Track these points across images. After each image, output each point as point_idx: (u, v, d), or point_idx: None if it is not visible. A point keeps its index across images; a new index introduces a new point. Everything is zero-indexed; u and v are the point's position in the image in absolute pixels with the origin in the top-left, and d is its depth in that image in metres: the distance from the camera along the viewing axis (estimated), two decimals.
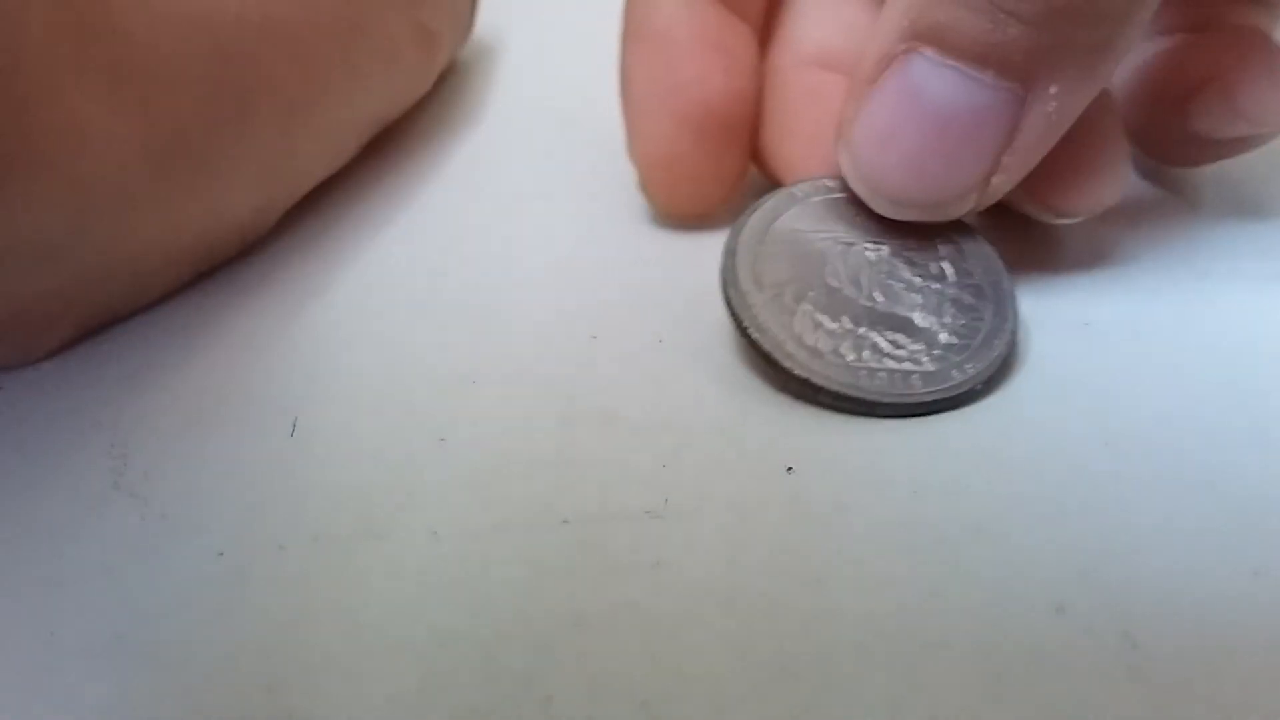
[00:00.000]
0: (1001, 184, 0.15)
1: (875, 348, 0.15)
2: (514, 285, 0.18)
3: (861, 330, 0.15)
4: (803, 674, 0.12)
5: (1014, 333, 0.16)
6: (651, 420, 0.15)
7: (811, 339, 0.15)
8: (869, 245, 0.16)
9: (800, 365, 0.15)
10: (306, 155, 0.18)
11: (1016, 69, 0.14)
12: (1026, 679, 0.12)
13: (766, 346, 0.15)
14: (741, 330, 0.15)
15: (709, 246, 0.18)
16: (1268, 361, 0.16)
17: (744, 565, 0.13)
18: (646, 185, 0.19)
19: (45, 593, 0.13)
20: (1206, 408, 0.15)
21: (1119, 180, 0.17)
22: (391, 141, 0.22)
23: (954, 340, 0.15)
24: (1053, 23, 0.14)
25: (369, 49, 0.19)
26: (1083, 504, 0.14)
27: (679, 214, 0.19)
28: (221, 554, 0.13)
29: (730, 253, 0.16)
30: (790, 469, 0.14)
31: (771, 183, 0.18)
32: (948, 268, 0.16)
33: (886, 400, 0.15)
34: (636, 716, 0.11)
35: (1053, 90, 0.14)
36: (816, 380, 0.15)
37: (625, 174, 0.20)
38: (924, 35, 0.14)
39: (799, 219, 0.16)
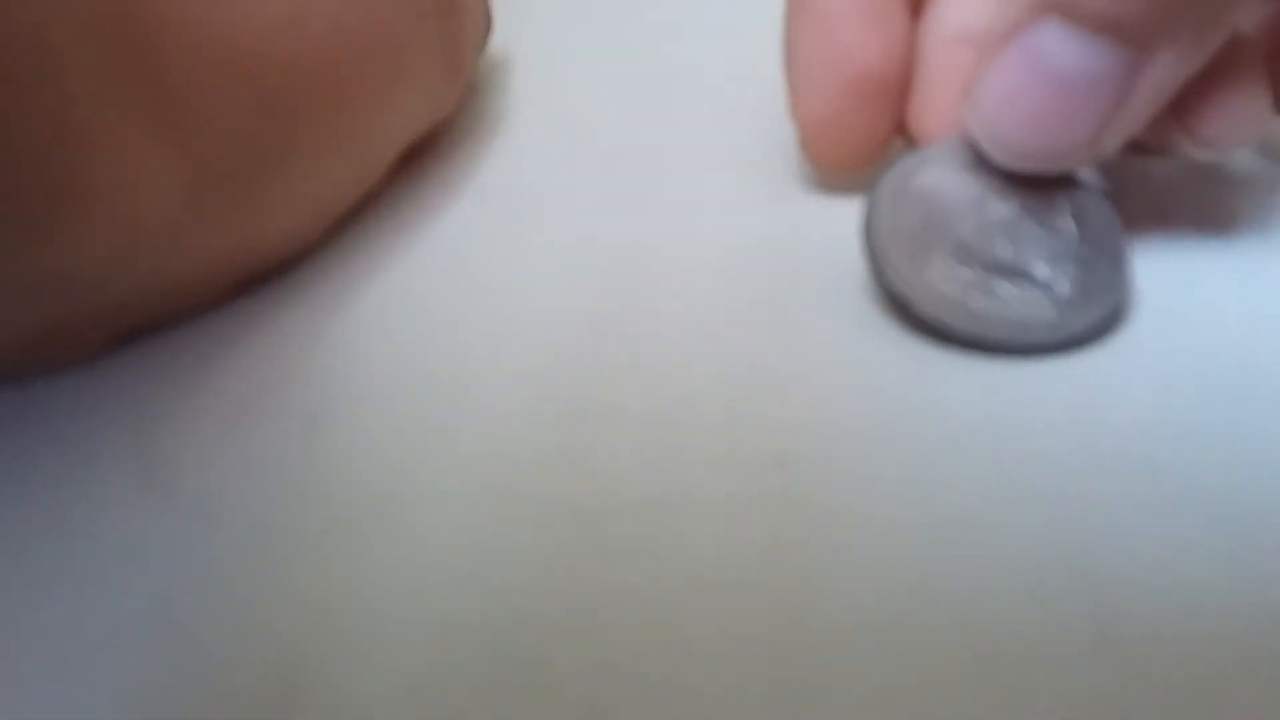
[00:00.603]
0: (1112, 140, 0.17)
1: (1000, 295, 0.16)
2: (520, 286, 0.19)
3: (988, 279, 0.16)
4: (795, 658, 0.12)
5: (1127, 289, 0.17)
6: (650, 416, 0.16)
7: (943, 286, 0.16)
8: (997, 202, 0.17)
9: (932, 309, 0.16)
10: (341, 185, 0.19)
11: (1133, 38, 0.15)
12: (1005, 662, 0.12)
13: (903, 292, 0.17)
14: (880, 277, 0.17)
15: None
16: None
17: (739, 556, 0.14)
18: (806, 143, 0.20)
19: (75, 581, 0.14)
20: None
21: (1259, 110, 0.18)
22: (415, 155, 0.22)
23: (1072, 292, 0.16)
24: None
25: (404, 85, 0.20)
26: (1064, 496, 0.14)
27: (834, 169, 0.21)
28: (242, 544, 0.14)
29: (870, 207, 0.17)
30: (782, 465, 0.15)
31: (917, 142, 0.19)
32: (1069, 225, 0.17)
33: (1009, 343, 0.16)
34: (637, 698, 0.12)
35: (1164, 57, 0.16)
36: (947, 322, 0.16)
37: (648, 170, 0.21)
38: (1051, 5, 0.16)
39: (933, 177, 0.17)
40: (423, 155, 0.22)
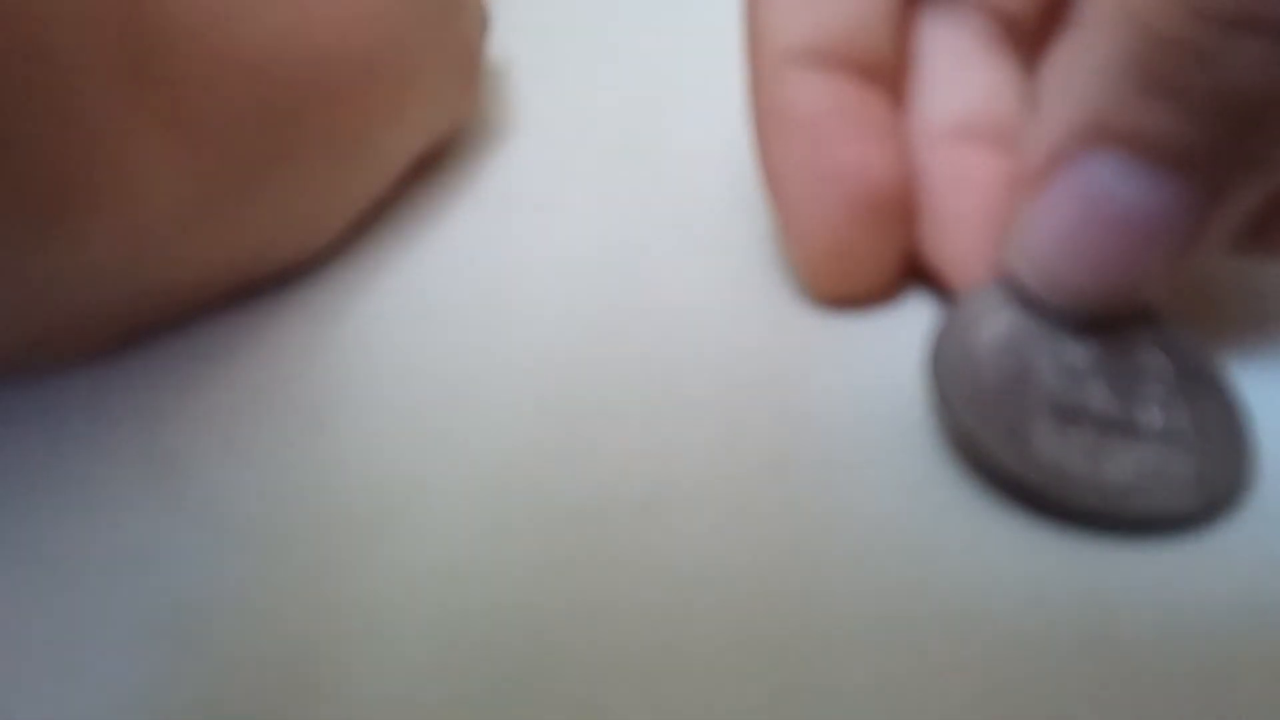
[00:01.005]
0: (1183, 270, 0.15)
1: (1109, 454, 0.14)
2: (523, 289, 0.19)
3: (1091, 436, 0.14)
4: (795, 658, 0.13)
5: (1245, 416, 0.15)
6: (650, 415, 0.16)
7: (1061, 460, 0.14)
8: (1074, 347, 0.15)
9: (1056, 490, 0.14)
10: (351, 191, 0.19)
11: (1204, 169, 0.14)
12: (1006, 663, 0.12)
13: (1016, 472, 0.14)
14: (982, 458, 0.14)
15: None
16: None
17: (739, 556, 0.14)
18: (811, 275, 0.18)
19: (83, 579, 0.14)
20: None
21: None
22: (429, 161, 0.22)
23: (1197, 435, 0.14)
24: (1245, 124, 0.13)
25: (415, 93, 0.19)
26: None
27: (845, 300, 0.18)
28: (249, 542, 0.14)
29: (939, 380, 0.15)
30: (782, 465, 0.15)
31: (927, 267, 0.18)
32: (1159, 357, 0.15)
33: (1135, 515, 0.14)
34: (635, 698, 0.12)
35: (1239, 187, 0.14)
36: (1062, 496, 0.14)
37: (651, 172, 0.21)
38: (1104, 134, 0.14)
39: (995, 329, 0.15)
40: (439, 159, 0.22)
